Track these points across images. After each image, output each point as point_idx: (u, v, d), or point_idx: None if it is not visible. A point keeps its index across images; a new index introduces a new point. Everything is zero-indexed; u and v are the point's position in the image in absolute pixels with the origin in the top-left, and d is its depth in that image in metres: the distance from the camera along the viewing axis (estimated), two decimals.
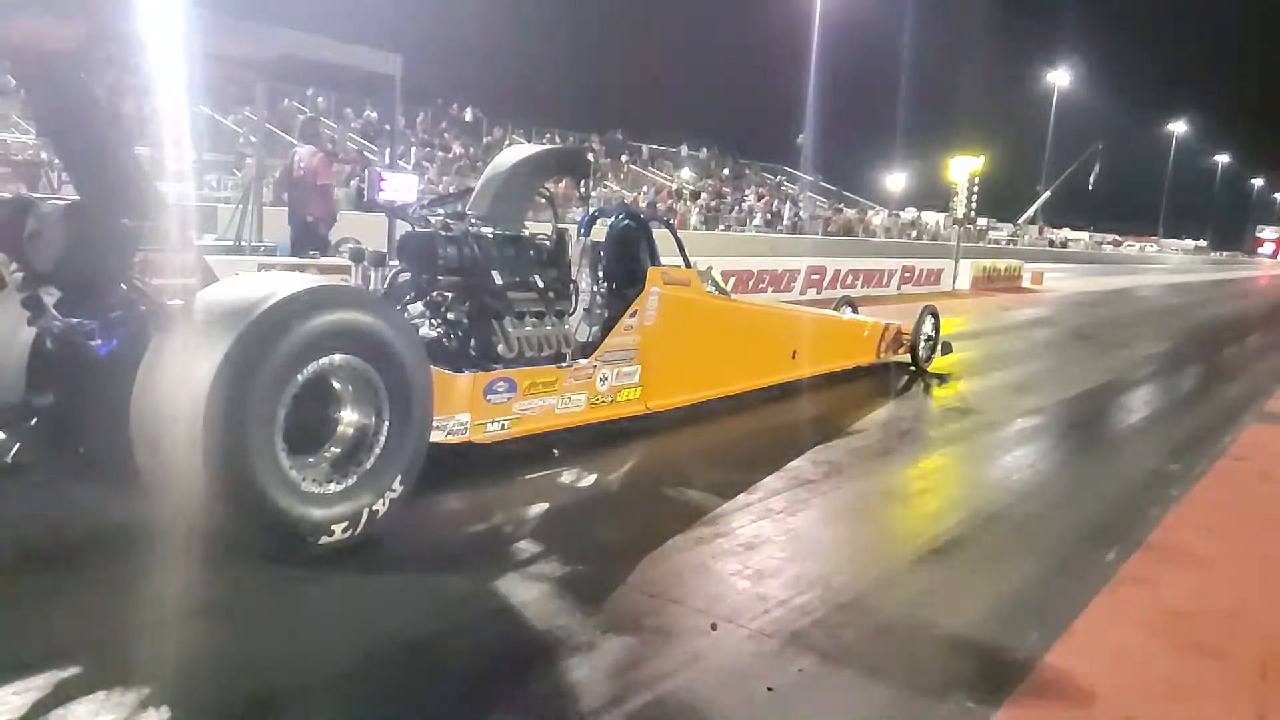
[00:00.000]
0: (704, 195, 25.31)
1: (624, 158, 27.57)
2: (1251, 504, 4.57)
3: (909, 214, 35.70)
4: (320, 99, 19.33)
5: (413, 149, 19.13)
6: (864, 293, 14.95)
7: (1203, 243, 75.89)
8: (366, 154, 17.43)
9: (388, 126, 9.45)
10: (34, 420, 3.03)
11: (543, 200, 4.89)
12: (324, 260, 7.02)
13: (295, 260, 7.32)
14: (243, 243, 8.76)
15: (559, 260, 4.50)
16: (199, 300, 2.81)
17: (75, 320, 3.01)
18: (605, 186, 22.73)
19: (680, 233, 6.04)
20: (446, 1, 28.29)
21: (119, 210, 2.89)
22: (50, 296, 3.02)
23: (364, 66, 8.36)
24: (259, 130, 10.45)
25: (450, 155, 21.04)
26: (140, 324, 2.89)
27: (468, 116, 24.94)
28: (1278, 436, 6.28)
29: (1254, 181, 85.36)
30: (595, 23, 40.39)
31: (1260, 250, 74.96)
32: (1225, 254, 74.92)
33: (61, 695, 2.14)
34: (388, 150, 9.20)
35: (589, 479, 4.24)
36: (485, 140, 23.77)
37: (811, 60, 30.70)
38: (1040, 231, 48.17)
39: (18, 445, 2.99)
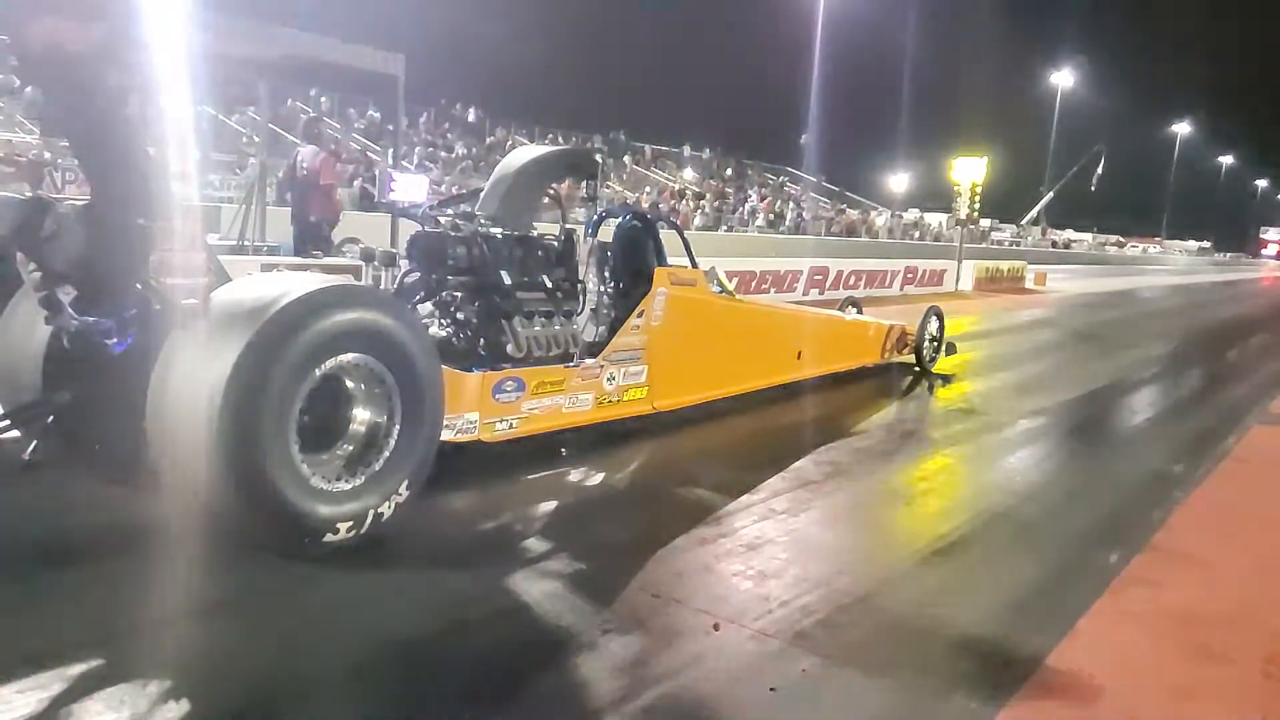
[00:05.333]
0: (707, 196, 25.32)
1: (626, 158, 27.59)
2: (1255, 505, 4.59)
3: (912, 215, 35.69)
4: (323, 99, 19.36)
5: (416, 149, 19.16)
6: (867, 294, 14.96)
7: (1206, 244, 75.73)
8: (369, 154, 17.45)
9: (391, 127, 9.48)
10: (50, 418, 3.06)
11: (549, 199, 4.92)
12: (327, 260, 7.04)
13: (298, 260, 7.36)
14: (246, 243, 8.80)
15: (567, 260, 4.53)
16: (214, 299, 2.85)
17: (91, 319, 3.04)
18: (608, 187, 22.73)
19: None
20: (449, 1, 28.32)
21: (134, 210, 2.92)
22: (67, 295, 3.05)
23: (367, 66, 8.40)
24: (262, 130, 10.47)
25: (453, 155, 21.07)
26: (155, 322, 2.92)
27: (470, 117, 24.97)
28: None
29: (1258, 183, 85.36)
30: (598, 23, 40.38)
31: (1264, 252, 74.79)
32: (1229, 255, 74.75)
33: (70, 691, 2.17)
34: (391, 151, 9.23)
35: (595, 478, 4.27)
36: (488, 140, 23.80)
37: (814, 61, 30.77)
38: (1043, 232, 48.14)
39: (35, 443, 3.02)
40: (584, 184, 5.10)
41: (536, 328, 4.25)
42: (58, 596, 2.66)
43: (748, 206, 26.32)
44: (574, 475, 4.26)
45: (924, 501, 4.44)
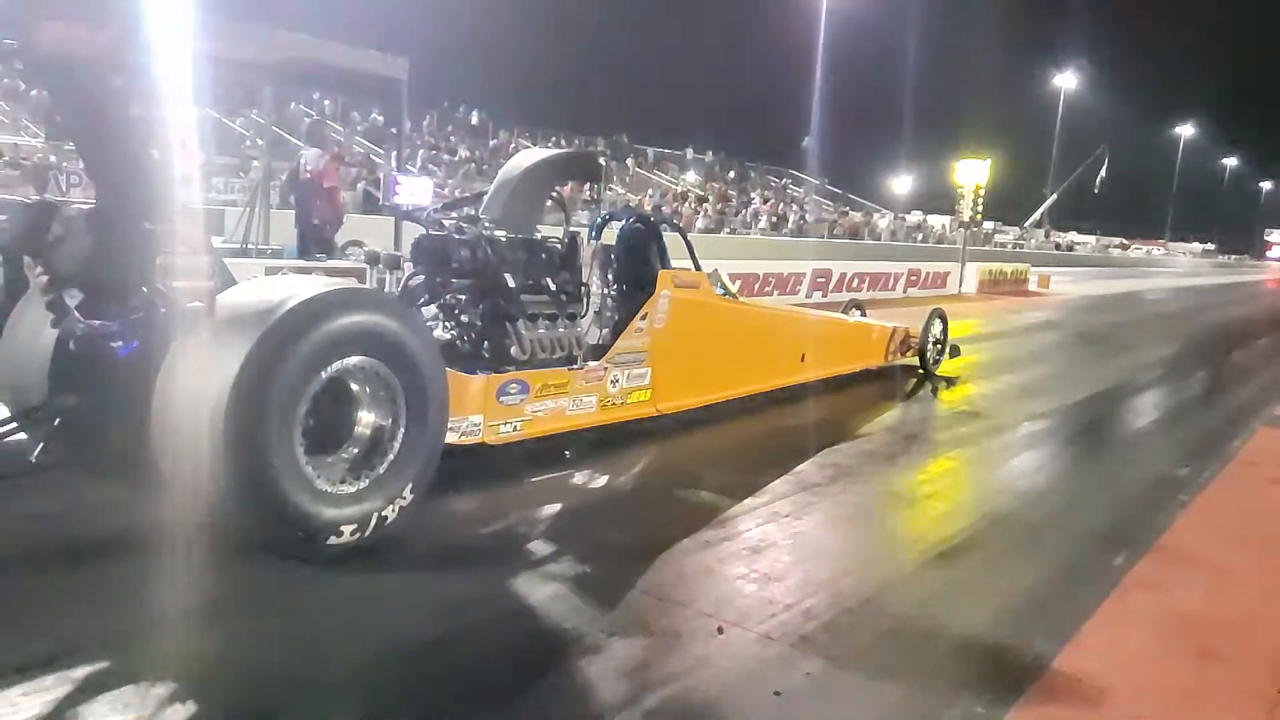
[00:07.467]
0: (709, 198, 25.33)
1: (629, 161, 27.62)
2: (1261, 508, 4.58)
3: (915, 217, 35.68)
4: (326, 102, 19.41)
5: (419, 152, 19.20)
6: (870, 296, 14.96)
7: (1210, 246, 75.58)
8: (373, 157, 17.48)
9: (394, 130, 9.51)
10: (57, 420, 3.06)
11: (553, 202, 4.93)
12: (331, 263, 7.06)
13: (302, 263, 7.37)
14: (249, 246, 8.83)
15: (571, 263, 4.54)
16: (220, 302, 2.86)
17: (97, 322, 3.06)
18: (611, 190, 22.76)
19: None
20: (452, 4, 28.41)
21: (140, 213, 2.93)
22: (73, 299, 3.06)
23: (371, 70, 8.42)
24: (266, 133, 10.50)
25: (456, 158, 21.11)
26: (161, 326, 2.93)
27: (474, 119, 25.04)
28: None
29: (1263, 184, 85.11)
30: (601, 25, 40.50)
31: (1269, 254, 74.49)
32: (1234, 257, 74.54)
33: (74, 693, 2.17)
34: (394, 154, 9.28)
35: (599, 481, 4.26)
36: (491, 143, 23.85)
37: (817, 63, 30.81)
38: (1047, 235, 48.13)
39: (41, 445, 3.03)
40: (587, 187, 5.12)
41: (540, 330, 4.25)
42: (63, 598, 2.67)
43: (750, 209, 26.33)
44: (578, 478, 4.26)
45: (928, 504, 4.43)
